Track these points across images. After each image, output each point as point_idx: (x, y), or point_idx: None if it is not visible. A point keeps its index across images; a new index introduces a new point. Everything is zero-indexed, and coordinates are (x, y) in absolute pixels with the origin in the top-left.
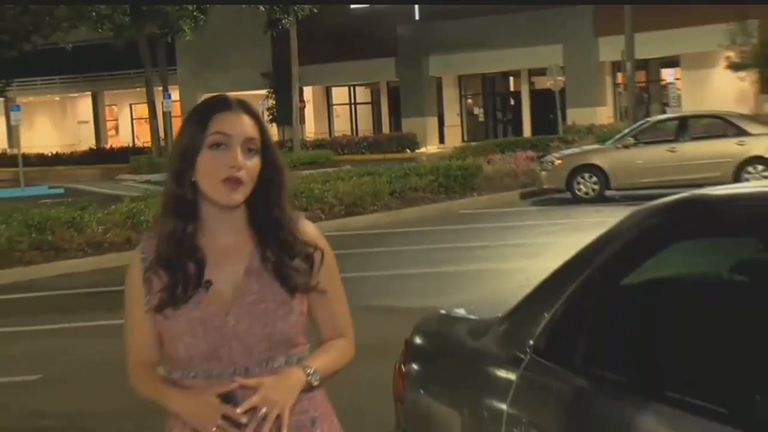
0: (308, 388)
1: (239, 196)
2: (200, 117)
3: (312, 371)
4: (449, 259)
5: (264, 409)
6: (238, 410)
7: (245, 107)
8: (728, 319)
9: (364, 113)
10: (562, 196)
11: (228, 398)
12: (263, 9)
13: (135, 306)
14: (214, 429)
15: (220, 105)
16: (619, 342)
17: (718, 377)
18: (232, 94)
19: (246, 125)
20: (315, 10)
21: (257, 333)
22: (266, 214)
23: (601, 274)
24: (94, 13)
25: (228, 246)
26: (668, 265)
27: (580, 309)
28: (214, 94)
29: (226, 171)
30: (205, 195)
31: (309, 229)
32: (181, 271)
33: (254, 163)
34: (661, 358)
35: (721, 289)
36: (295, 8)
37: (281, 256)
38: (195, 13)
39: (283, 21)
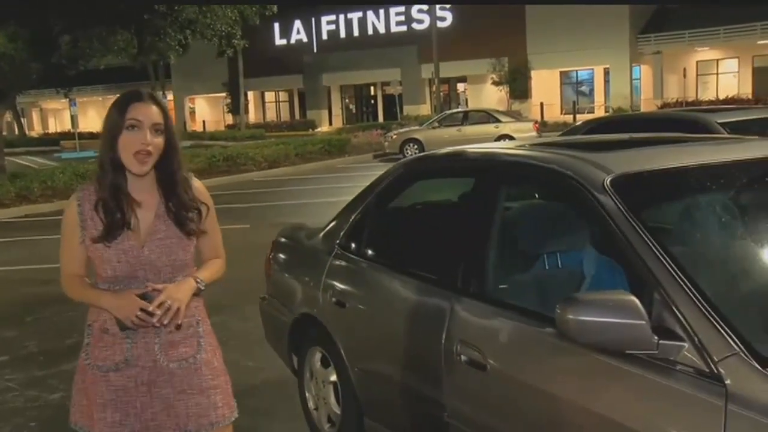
0: (197, 292)
1: (146, 167)
2: (121, 106)
3: (200, 280)
4: (328, 194)
5: (168, 302)
6: (151, 307)
7: (154, 99)
8: (448, 224)
9: (284, 107)
10: (398, 156)
11: (144, 297)
12: (216, 43)
13: (72, 236)
14: (134, 318)
15: (135, 97)
16: (384, 240)
17: (436, 258)
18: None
19: (154, 113)
20: (247, 45)
21: (164, 260)
22: (168, 177)
23: (376, 199)
24: (116, 47)
25: (142, 200)
26: (423, 194)
27: (365, 220)
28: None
29: (138, 146)
30: (123, 164)
31: (198, 185)
32: (115, 216)
33: (159, 140)
34: (406, 249)
35: (448, 208)
36: (235, 42)
37: (179, 208)
38: (177, 48)
39: (227, 51)
